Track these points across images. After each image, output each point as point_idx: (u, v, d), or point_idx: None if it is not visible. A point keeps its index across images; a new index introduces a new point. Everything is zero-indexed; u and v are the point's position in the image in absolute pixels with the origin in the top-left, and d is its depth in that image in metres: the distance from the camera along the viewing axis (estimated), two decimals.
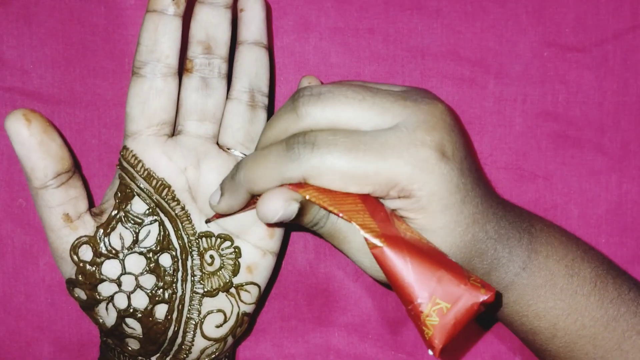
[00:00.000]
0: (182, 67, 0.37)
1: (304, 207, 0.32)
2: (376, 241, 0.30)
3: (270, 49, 0.41)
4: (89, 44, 0.41)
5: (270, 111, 0.41)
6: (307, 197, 0.31)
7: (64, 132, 0.42)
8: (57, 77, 0.42)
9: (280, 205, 0.32)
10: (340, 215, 0.31)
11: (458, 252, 0.33)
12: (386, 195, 0.32)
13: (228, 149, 0.38)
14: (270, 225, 0.38)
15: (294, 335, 0.44)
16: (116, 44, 0.41)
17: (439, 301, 0.30)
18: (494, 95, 0.43)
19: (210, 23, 0.37)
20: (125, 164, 0.37)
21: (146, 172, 0.37)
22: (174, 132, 0.38)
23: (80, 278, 0.36)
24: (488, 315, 0.38)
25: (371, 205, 0.32)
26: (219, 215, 0.36)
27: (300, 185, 0.32)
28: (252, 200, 0.34)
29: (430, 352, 0.31)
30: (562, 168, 0.43)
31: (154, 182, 0.36)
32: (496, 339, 0.44)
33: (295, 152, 0.31)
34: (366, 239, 0.31)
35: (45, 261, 0.42)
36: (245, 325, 0.39)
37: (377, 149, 0.31)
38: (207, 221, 0.37)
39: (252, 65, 0.38)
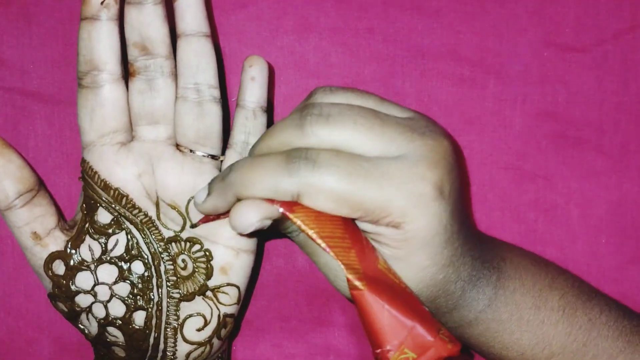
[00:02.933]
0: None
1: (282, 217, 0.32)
2: (358, 284, 0.30)
3: (214, 35, 0.39)
4: None
5: (224, 100, 0.40)
6: (298, 222, 0.31)
7: (64, 132, 0.42)
8: (57, 77, 0.42)
9: (255, 219, 0.31)
10: (328, 250, 0.31)
11: (425, 290, 0.33)
12: (375, 222, 0.32)
13: (188, 149, 0.37)
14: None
15: (294, 335, 0.44)
16: None
17: (407, 351, 0.31)
18: (494, 95, 0.43)
19: (142, 23, 0.36)
20: (85, 176, 0.37)
21: (103, 182, 0.37)
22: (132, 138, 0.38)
23: (56, 292, 0.36)
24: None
25: (353, 234, 0.32)
26: (205, 220, 0.36)
27: (290, 204, 0.31)
28: None
29: None
30: (562, 168, 0.43)
31: (111, 192, 0.37)
32: None
33: (295, 166, 0.31)
34: (348, 280, 0.31)
35: None
36: (230, 326, 0.39)
37: (377, 178, 0.31)
38: (193, 226, 0.37)
39: (192, 58, 0.36)
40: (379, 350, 0.31)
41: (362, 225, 0.33)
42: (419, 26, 0.42)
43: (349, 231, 0.32)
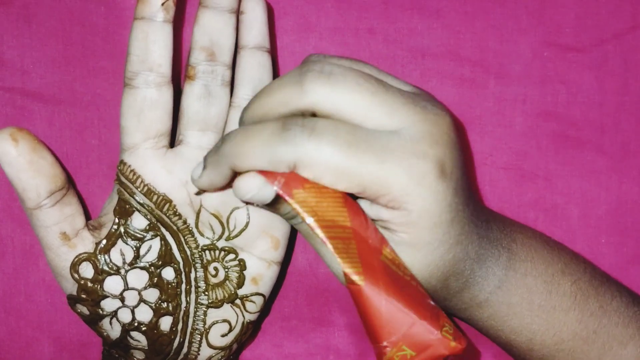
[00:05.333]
0: (176, 74, 0.37)
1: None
2: (356, 278, 0.29)
3: (273, 52, 0.40)
4: (89, 44, 0.41)
5: None
6: (296, 207, 0.29)
7: (64, 132, 0.42)
8: (57, 77, 0.42)
9: (255, 184, 0.30)
10: (326, 242, 0.29)
11: (436, 271, 0.33)
12: (375, 200, 0.31)
13: None
14: (273, 237, 0.37)
15: (294, 335, 0.44)
16: (116, 44, 0.41)
17: (405, 348, 0.30)
18: (494, 95, 0.43)
19: (215, 28, 0.36)
20: (123, 179, 0.36)
21: (146, 187, 0.36)
22: (173, 142, 0.37)
23: (82, 295, 0.35)
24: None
25: (357, 218, 0.31)
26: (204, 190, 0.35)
27: (291, 186, 0.30)
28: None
29: None
30: (562, 168, 0.43)
31: (155, 197, 0.36)
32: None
33: (292, 134, 0.29)
34: (345, 274, 0.29)
35: (45, 261, 0.42)
36: (250, 331, 0.39)
37: (377, 151, 0.30)
38: (197, 194, 0.36)
39: (254, 71, 0.36)
40: (375, 345, 0.30)
41: (366, 210, 0.32)
42: (419, 26, 0.42)
43: (352, 214, 0.30)
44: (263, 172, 0.30)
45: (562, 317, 0.35)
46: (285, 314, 0.44)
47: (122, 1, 0.41)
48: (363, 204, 0.33)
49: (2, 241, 0.42)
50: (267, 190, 0.30)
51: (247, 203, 0.36)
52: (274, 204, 0.32)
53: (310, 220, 0.30)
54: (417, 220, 0.31)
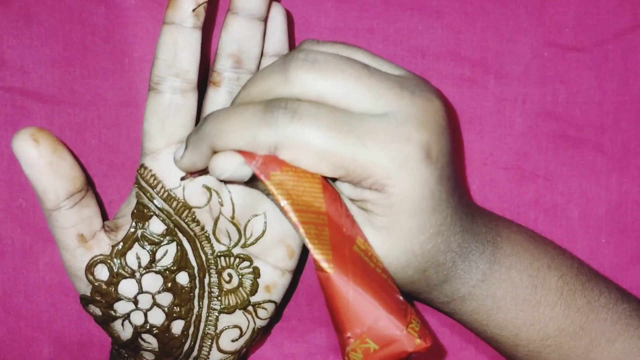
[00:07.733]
0: (201, 79, 0.36)
1: None
2: (325, 265, 0.29)
3: None
4: (89, 44, 0.41)
5: None
6: (271, 189, 0.29)
7: (64, 132, 0.42)
8: (57, 77, 0.42)
9: (233, 164, 0.30)
10: (298, 227, 0.29)
11: (414, 260, 0.32)
12: (357, 183, 0.31)
13: None
14: (289, 246, 0.37)
15: (294, 335, 0.44)
16: (116, 44, 0.41)
17: (368, 341, 0.29)
18: (494, 95, 0.43)
19: (244, 36, 0.35)
20: (143, 183, 0.35)
21: (166, 193, 0.35)
22: None
23: (96, 297, 0.35)
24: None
25: (333, 205, 0.30)
26: (190, 174, 0.35)
27: (269, 166, 0.30)
28: None
29: None
30: (562, 168, 0.43)
31: (174, 203, 0.35)
32: None
33: (274, 116, 0.29)
34: (315, 261, 0.29)
35: (45, 261, 0.42)
36: (260, 336, 0.39)
37: (360, 134, 0.29)
38: (182, 179, 0.36)
39: None
40: (339, 336, 0.30)
41: (348, 191, 0.32)
42: (419, 26, 0.42)
43: (329, 201, 0.30)
44: (242, 152, 0.30)
45: (548, 312, 0.35)
46: (285, 314, 0.44)
47: (122, 1, 0.41)
48: (345, 184, 0.32)
49: (2, 241, 0.42)
50: (244, 170, 0.30)
51: (224, 182, 0.36)
52: (251, 181, 0.31)
53: (284, 203, 0.29)
54: (397, 204, 0.30)
